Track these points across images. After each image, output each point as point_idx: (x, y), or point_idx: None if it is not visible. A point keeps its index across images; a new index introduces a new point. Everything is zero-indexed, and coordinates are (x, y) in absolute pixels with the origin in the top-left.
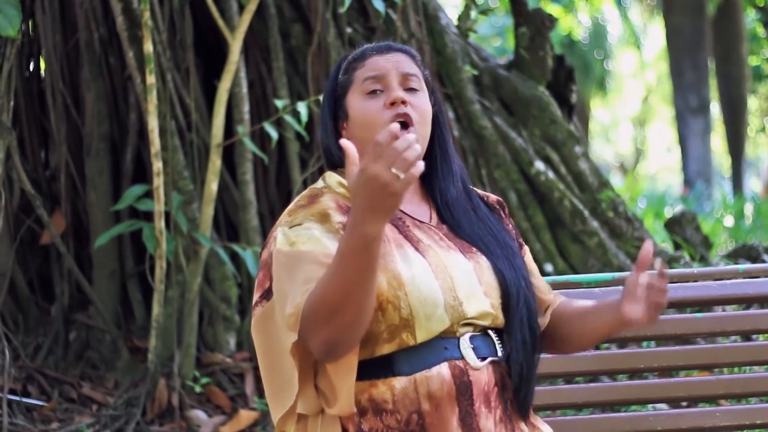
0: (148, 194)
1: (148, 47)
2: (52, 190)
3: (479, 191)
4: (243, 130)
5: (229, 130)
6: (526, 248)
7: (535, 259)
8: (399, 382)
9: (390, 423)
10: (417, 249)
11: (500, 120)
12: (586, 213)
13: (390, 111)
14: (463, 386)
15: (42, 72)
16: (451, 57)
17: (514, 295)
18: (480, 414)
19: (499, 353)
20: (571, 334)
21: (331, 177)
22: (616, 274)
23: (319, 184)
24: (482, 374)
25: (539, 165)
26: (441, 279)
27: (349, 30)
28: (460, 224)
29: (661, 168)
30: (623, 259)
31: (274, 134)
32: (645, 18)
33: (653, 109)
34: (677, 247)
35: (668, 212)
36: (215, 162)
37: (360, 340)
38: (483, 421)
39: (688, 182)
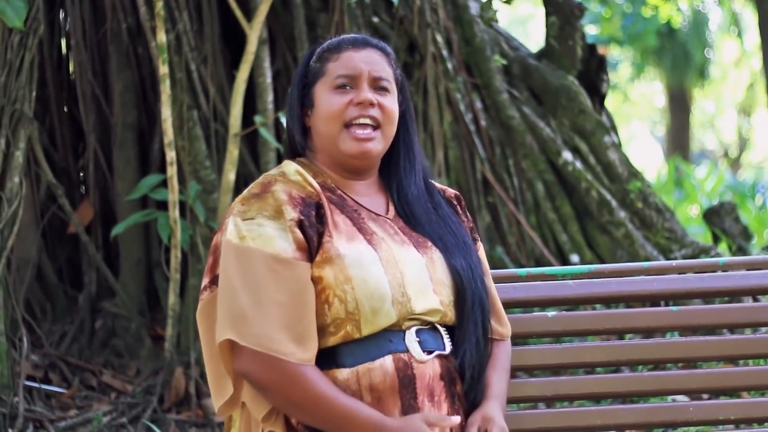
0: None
1: (161, 37)
2: (84, 179)
3: (436, 185)
4: (260, 119)
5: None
6: (479, 245)
7: (562, 251)
8: (341, 374)
9: None
10: (369, 242)
11: (529, 110)
12: (614, 203)
13: (356, 109)
14: (406, 379)
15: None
16: (479, 46)
17: (469, 297)
18: (423, 408)
19: (447, 348)
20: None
21: (289, 165)
22: (592, 267)
23: (274, 170)
24: (427, 368)
25: (567, 155)
26: (390, 274)
27: (375, 19)
28: (419, 220)
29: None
30: (650, 250)
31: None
32: (744, 6)
33: (758, 98)
34: (716, 238)
35: (758, 202)
36: (233, 152)
37: None
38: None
39: None
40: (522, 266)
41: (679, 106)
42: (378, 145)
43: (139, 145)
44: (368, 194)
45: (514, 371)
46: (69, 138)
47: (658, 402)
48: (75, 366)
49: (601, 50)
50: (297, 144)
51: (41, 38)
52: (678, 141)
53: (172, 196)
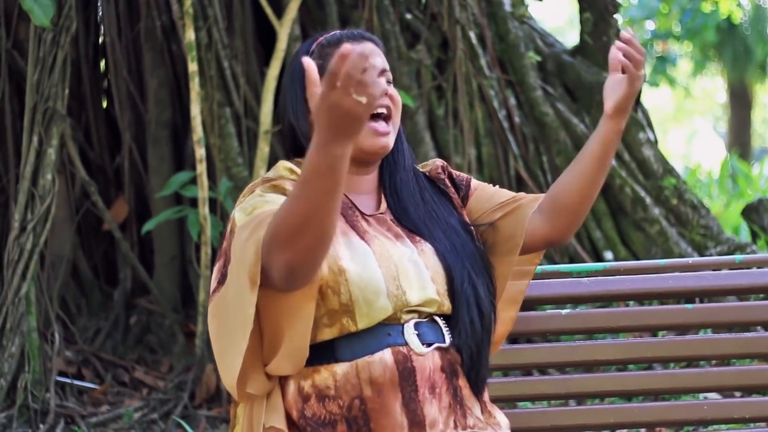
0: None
1: (190, 35)
2: (119, 175)
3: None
4: None
5: None
6: (479, 185)
7: (596, 247)
8: (341, 368)
9: (332, 409)
10: (362, 238)
11: (563, 106)
12: (648, 200)
13: None
14: (406, 372)
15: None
16: (513, 43)
17: (458, 278)
18: (424, 400)
19: (447, 340)
20: (570, 186)
21: (283, 165)
22: (608, 264)
23: (270, 173)
24: (427, 360)
25: None
26: (384, 267)
27: (408, 16)
28: (406, 209)
29: None
30: (684, 247)
31: None
32: None
33: None
34: (754, 235)
35: None
36: (263, 149)
37: (321, 264)
38: (427, 407)
39: None
40: (555, 263)
41: (741, 102)
42: (392, 138)
43: (174, 142)
44: (364, 191)
45: (525, 369)
46: (105, 135)
47: (690, 399)
48: (108, 362)
49: (660, 45)
50: (304, 139)
51: (75, 36)
52: (739, 137)
53: (202, 193)
